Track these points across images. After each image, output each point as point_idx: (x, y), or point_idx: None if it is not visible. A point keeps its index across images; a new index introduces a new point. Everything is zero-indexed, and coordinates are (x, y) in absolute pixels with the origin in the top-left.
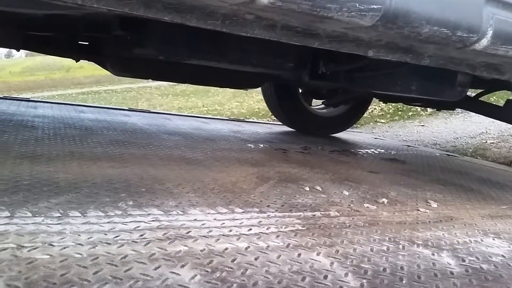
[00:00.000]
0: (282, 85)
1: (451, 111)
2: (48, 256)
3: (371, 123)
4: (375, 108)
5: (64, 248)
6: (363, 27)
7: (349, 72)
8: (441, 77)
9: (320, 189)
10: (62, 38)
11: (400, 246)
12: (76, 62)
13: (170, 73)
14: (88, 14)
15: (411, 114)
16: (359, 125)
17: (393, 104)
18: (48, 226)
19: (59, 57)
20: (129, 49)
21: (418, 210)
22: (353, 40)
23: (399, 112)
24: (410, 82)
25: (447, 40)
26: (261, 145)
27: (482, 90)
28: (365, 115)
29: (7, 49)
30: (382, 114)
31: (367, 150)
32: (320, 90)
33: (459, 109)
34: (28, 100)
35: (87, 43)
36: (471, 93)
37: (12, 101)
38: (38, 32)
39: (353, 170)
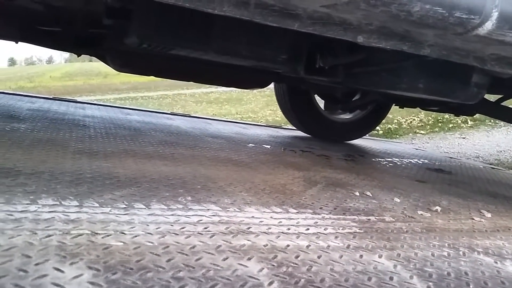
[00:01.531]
0: (295, 87)
1: (493, 123)
2: (122, 243)
3: (410, 134)
4: (414, 119)
5: (135, 236)
6: (342, 3)
7: (349, 67)
8: (453, 75)
9: (370, 195)
10: (62, 31)
11: (461, 253)
12: (78, 56)
13: (170, 70)
14: (84, 6)
15: (452, 126)
16: (397, 136)
17: (432, 115)
18: (117, 216)
19: (96, 64)
20: (120, 40)
21: (473, 219)
22: (339, 23)
23: (439, 124)
24: (417, 80)
25: (444, 23)
26: (303, 151)
27: (501, 96)
28: (404, 126)
29: (48, 55)
30: (422, 125)
31: (410, 160)
32: (334, 93)
33: (502, 122)
34: (76, 102)
35: (88, 37)
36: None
37: (61, 101)
38: (38, 26)
39: (400, 179)
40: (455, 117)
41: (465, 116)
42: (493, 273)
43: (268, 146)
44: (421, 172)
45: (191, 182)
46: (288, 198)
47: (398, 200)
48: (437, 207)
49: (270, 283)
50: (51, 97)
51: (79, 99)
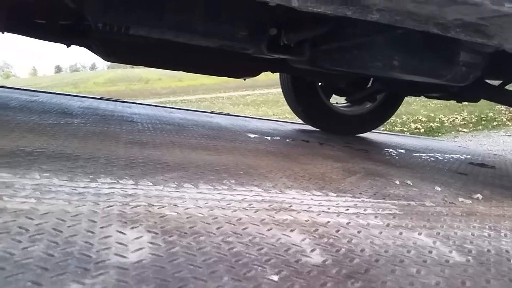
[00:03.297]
0: (299, 79)
1: None
2: (176, 213)
3: (452, 132)
4: (457, 117)
5: (187, 208)
6: None
7: (316, 44)
8: (434, 53)
9: (411, 184)
10: (47, 22)
11: (502, 234)
12: (67, 47)
13: (156, 59)
14: None
15: (496, 124)
16: (439, 134)
17: (475, 113)
18: (169, 193)
19: (138, 70)
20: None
21: None
22: None
23: (483, 122)
24: (392, 57)
25: None
26: (341, 146)
27: (501, 82)
28: (446, 124)
29: (91, 62)
30: (464, 123)
31: (452, 156)
32: (337, 84)
33: None
34: (122, 101)
35: (74, 27)
36: None
37: (109, 101)
38: (25, 16)
39: (441, 171)
40: (500, 115)
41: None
42: None
43: (307, 141)
44: (463, 166)
45: (234, 169)
46: (327, 184)
47: (439, 189)
48: (479, 195)
49: (312, 250)
50: (98, 97)
51: None
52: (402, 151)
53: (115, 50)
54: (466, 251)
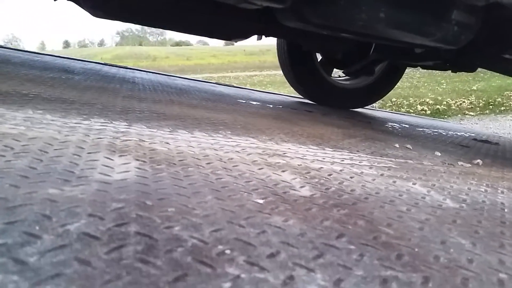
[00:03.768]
0: (296, 51)
1: None
2: (166, 149)
3: (459, 115)
4: (464, 101)
5: (179, 147)
6: None
7: None
8: (425, 8)
9: (411, 148)
10: None
11: (499, 191)
12: (54, 0)
13: (144, 16)
14: None
15: (503, 109)
16: (446, 116)
17: (483, 98)
18: (162, 134)
19: (146, 48)
20: None
21: None
22: None
23: (490, 106)
24: (378, 9)
25: None
26: (344, 117)
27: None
28: (453, 107)
29: (100, 38)
30: (472, 107)
31: (456, 133)
32: (334, 54)
33: None
34: (125, 68)
35: None
36: None
37: (111, 67)
38: None
39: (444, 142)
40: (508, 100)
41: None
42: None
43: (310, 111)
44: (466, 141)
45: (232, 124)
46: (325, 142)
47: (439, 154)
48: (479, 160)
49: (302, 187)
50: (102, 62)
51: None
52: (406, 125)
53: (103, 4)
54: (460, 200)
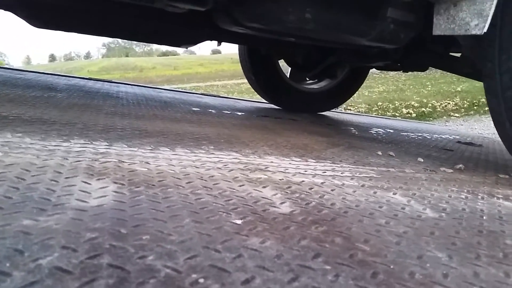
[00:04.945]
0: (256, 54)
1: None
2: (146, 169)
3: (444, 117)
4: (449, 103)
5: (159, 166)
6: None
7: None
8: (353, 6)
9: (394, 155)
10: None
11: (479, 197)
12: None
13: (86, 24)
14: None
15: (488, 109)
16: (431, 118)
17: (468, 99)
18: (143, 153)
19: (132, 59)
20: None
21: (498, 176)
22: None
23: (475, 107)
24: (303, 9)
25: None
26: (330, 125)
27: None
28: (438, 109)
29: (86, 51)
30: (457, 108)
31: (440, 136)
32: (294, 58)
33: None
34: (110, 81)
35: None
36: None
37: (96, 81)
38: None
39: (427, 147)
40: None
41: None
42: (510, 211)
43: (295, 119)
44: (450, 144)
45: (215, 138)
46: (308, 153)
47: (422, 160)
48: (461, 165)
49: (282, 203)
50: (86, 77)
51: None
52: (391, 130)
53: (40, 13)
54: (440, 209)
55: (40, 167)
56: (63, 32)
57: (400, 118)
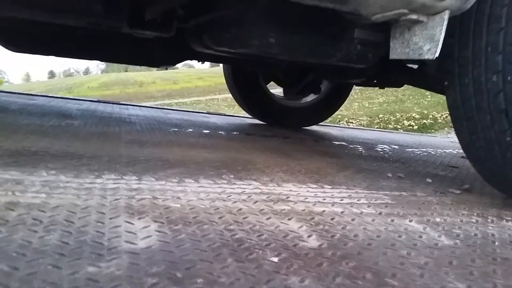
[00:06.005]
0: (239, 71)
1: None
2: (179, 205)
3: (446, 128)
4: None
5: (190, 201)
6: None
7: (185, 19)
8: (316, 29)
9: (403, 176)
10: None
11: (489, 220)
12: None
13: (61, 47)
14: None
15: None
16: (433, 130)
17: None
18: (172, 187)
19: (132, 74)
20: None
21: (505, 198)
22: None
23: None
24: (267, 34)
25: None
26: (335, 142)
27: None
28: (439, 120)
29: (85, 67)
30: None
31: (444, 150)
32: (276, 74)
33: None
34: (118, 103)
35: None
36: None
37: (106, 104)
38: None
39: (433, 164)
40: None
41: None
42: None
43: (303, 138)
44: (455, 159)
45: (232, 165)
46: (322, 178)
47: (430, 181)
48: (467, 186)
49: (309, 236)
50: (96, 99)
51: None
52: (396, 146)
53: (15, 38)
54: (454, 235)
55: (84, 208)
56: (41, 55)
57: (402, 131)
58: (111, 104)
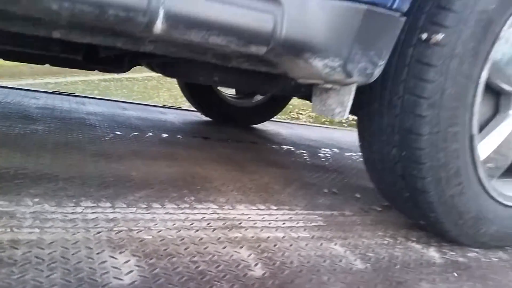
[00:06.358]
0: None
1: None
2: (151, 237)
3: None
4: None
5: (160, 231)
6: None
7: (137, 58)
8: (256, 73)
9: (337, 192)
10: None
11: (398, 241)
12: None
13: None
14: None
15: None
16: None
17: None
18: (142, 215)
19: None
20: None
21: None
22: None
23: None
24: (212, 73)
25: (104, 20)
26: (283, 146)
27: None
28: None
29: None
30: None
31: None
32: None
33: None
34: (74, 95)
35: None
36: None
37: (61, 96)
38: None
39: (365, 173)
40: None
41: None
42: (417, 257)
43: (255, 142)
44: None
45: (192, 183)
46: (270, 196)
47: (359, 196)
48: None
49: (256, 265)
50: (51, 91)
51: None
52: (337, 150)
53: None
54: (367, 259)
55: (74, 243)
56: None
57: (346, 126)
58: (67, 97)
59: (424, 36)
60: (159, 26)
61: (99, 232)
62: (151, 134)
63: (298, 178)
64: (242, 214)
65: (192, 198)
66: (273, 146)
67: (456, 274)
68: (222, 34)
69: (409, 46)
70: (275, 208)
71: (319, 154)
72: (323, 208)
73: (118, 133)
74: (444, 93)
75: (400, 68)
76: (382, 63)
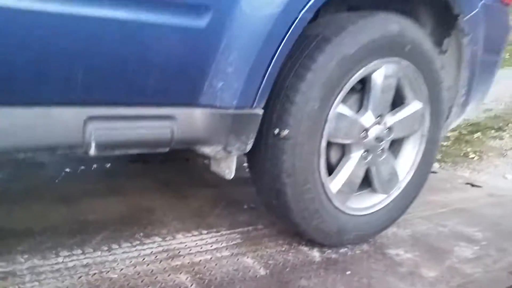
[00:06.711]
0: None
1: None
2: (117, 275)
3: None
4: None
5: (122, 270)
6: None
7: None
8: None
9: (254, 206)
10: None
11: (292, 247)
12: None
13: None
14: None
15: None
16: None
17: None
18: (106, 257)
19: None
20: None
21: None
22: None
23: None
24: None
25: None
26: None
27: None
28: None
29: None
30: None
31: None
32: None
33: None
34: None
35: None
36: None
37: None
38: None
39: None
40: None
41: None
42: (303, 258)
43: (187, 159)
44: None
45: (137, 218)
46: (201, 221)
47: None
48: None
49: (191, 285)
50: None
51: None
52: None
53: None
54: (268, 266)
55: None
56: None
57: None
58: None
59: (276, 131)
60: (93, 152)
61: (80, 277)
62: (95, 165)
63: (225, 196)
64: (180, 243)
65: (141, 234)
66: (205, 161)
67: (324, 270)
68: (136, 146)
69: (268, 137)
70: (206, 232)
71: (244, 165)
72: (242, 225)
73: (67, 170)
74: (295, 166)
75: (264, 150)
76: (251, 141)
